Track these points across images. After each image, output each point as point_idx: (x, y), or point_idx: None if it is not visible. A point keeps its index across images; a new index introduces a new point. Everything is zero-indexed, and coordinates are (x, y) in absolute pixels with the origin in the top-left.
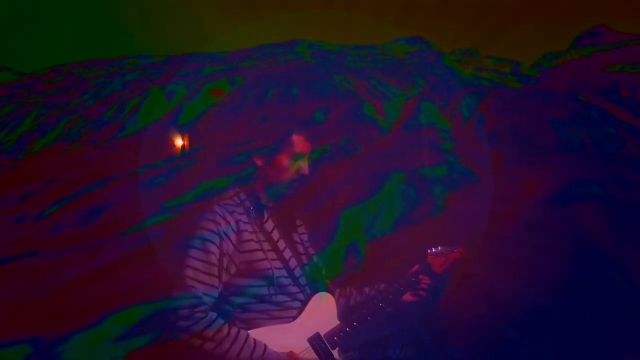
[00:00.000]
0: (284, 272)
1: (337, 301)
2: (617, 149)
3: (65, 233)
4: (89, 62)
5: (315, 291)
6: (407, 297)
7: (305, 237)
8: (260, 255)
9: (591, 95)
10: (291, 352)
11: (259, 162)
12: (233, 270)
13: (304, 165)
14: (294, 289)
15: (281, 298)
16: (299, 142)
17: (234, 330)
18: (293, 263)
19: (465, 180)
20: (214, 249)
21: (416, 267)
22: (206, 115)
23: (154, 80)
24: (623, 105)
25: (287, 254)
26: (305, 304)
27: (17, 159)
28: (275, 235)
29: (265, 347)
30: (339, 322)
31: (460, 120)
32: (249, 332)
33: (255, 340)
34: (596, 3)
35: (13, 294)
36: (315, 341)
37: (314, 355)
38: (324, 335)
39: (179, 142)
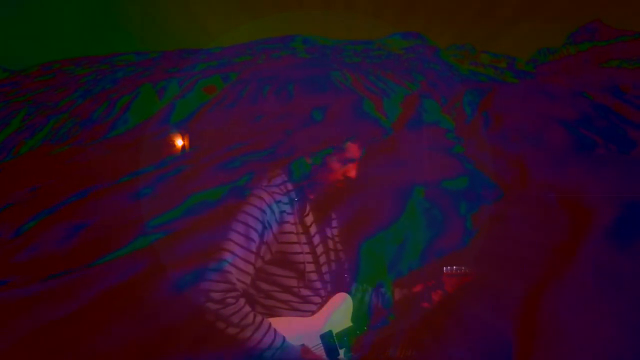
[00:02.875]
0: (313, 267)
1: (354, 302)
2: (629, 151)
3: (40, 256)
4: (80, 59)
5: (337, 290)
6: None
7: (336, 232)
8: (296, 248)
9: (595, 92)
10: (306, 346)
11: (308, 160)
12: (268, 257)
13: (352, 169)
14: (319, 284)
15: (305, 292)
16: (353, 149)
17: (259, 318)
18: (323, 259)
19: (491, 194)
20: (255, 236)
21: (431, 282)
22: (199, 113)
23: (145, 76)
24: (628, 103)
25: (320, 249)
26: (325, 300)
27: (4, 162)
28: (313, 229)
29: (284, 339)
30: (352, 324)
31: (463, 118)
32: (270, 321)
33: (275, 330)
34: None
35: None
36: (327, 338)
37: (323, 351)
38: (336, 334)
39: (170, 143)
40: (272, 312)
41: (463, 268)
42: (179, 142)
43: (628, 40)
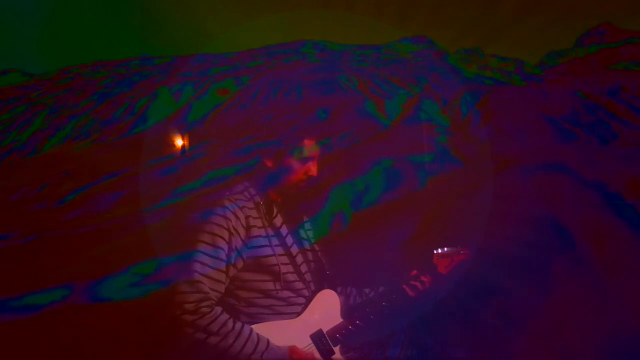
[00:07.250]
0: (290, 268)
1: (340, 299)
2: (607, 143)
3: (84, 216)
4: (97, 64)
5: (320, 288)
6: (410, 296)
7: (311, 234)
8: (268, 251)
9: (591, 92)
10: (293, 346)
11: (269, 164)
12: (240, 265)
13: (313, 168)
14: (299, 285)
15: (286, 294)
16: (309, 146)
17: (238, 325)
18: (300, 259)
19: (450, 166)
20: (222, 244)
21: (414, 272)
22: (214, 112)
23: (160, 80)
24: (622, 102)
25: (295, 249)
26: (309, 300)
27: (29, 157)
28: (284, 230)
29: (268, 342)
30: (342, 320)
31: (459, 116)
32: (252, 327)
33: (258, 335)
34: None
35: (43, 259)
36: (318, 338)
37: (316, 352)
38: (327, 332)
39: (188, 138)
40: (257, 319)
41: (455, 248)
42: (195, 138)
43: (637, 43)
